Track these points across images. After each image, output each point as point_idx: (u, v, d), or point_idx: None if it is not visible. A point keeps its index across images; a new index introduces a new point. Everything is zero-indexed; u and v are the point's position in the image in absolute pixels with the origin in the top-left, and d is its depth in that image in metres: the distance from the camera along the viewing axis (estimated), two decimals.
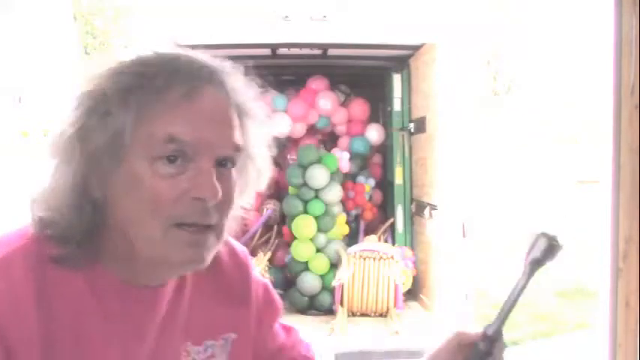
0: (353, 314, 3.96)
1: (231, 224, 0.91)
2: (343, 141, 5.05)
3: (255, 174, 0.93)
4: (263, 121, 0.93)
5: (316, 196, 4.26)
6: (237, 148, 0.85)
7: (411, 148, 4.55)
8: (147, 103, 0.80)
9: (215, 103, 0.84)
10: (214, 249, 0.86)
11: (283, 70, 5.03)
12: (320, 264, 4.19)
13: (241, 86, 0.89)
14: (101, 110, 0.80)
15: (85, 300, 0.83)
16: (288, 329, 1.12)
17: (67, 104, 0.82)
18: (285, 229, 4.44)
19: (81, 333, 0.82)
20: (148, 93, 0.80)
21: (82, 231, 0.82)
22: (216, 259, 0.92)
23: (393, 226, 4.63)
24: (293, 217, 4.23)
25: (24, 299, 0.78)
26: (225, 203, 0.84)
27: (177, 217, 0.81)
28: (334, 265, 4.20)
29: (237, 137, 0.86)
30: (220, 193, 0.81)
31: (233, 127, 0.85)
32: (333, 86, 5.00)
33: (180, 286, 0.93)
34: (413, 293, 4.30)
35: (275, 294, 1.13)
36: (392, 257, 3.95)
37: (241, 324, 1.00)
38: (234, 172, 0.86)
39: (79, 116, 0.81)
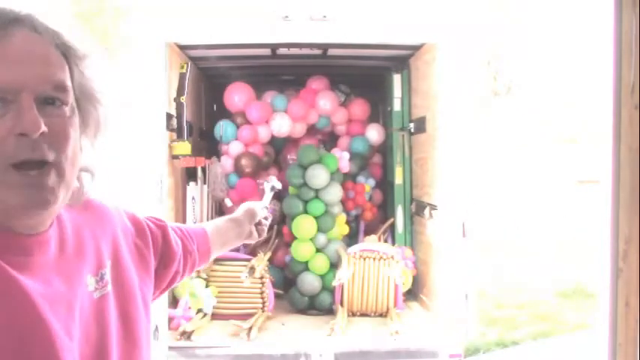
0: (353, 314, 3.96)
1: (96, 169, 0.96)
2: (343, 141, 5.05)
3: (104, 117, 0.95)
4: (98, 63, 0.95)
5: (316, 196, 4.26)
6: (60, 87, 0.87)
7: (411, 148, 4.55)
8: None
9: (26, 44, 0.85)
10: (59, 190, 0.87)
11: (283, 70, 5.03)
12: (320, 264, 4.19)
13: (65, 28, 0.91)
14: None
15: None
16: (161, 227, 1.23)
17: None
18: (285, 229, 4.44)
19: (3, 290, 0.83)
20: None
21: None
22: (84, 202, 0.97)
23: (393, 226, 4.63)
24: (293, 217, 4.24)
25: None
26: (60, 139, 0.86)
27: (7, 157, 0.82)
28: (334, 265, 4.20)
29: (58, 75, 0.87)
30: (43, 126, 0.83)
31: (51, 65, 0.87)
32: (333, 86, 5.00)
33: (60, 227, 0.96)
34: (413, 293, 4.30)
35: (140, 217, 1.19)
36: (392, 257, 3.96)
37: (113, 253, 1.05)
38: (67, 109, 0.88)
39: None
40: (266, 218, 1.61)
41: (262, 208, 1.60)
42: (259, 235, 1.57)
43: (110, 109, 0.96)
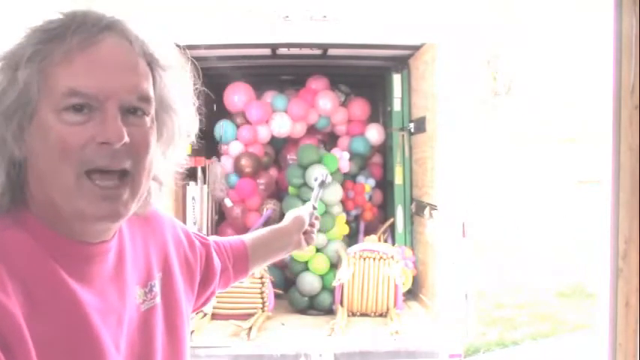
0: (353, 314, 3.96)
1: (165, 178, 0.95)
2: (343, 141, 5.05)
3: (178, 127, 0.94)
4: (182, 74, 0.95)
5: None
6: (144, 98, 0.86)
7: (411, 148, 4.55)
8: (47, 57, 0.81)
9: (114, 51, 0.85)
10: (132, 202, 0.86)
11: (283, 70, 5.03)
12: (320, 264, 4.19)
13: (153, 37, 0.90)
14: (10, 69, 0.82)
15: (51, 266, 0.83)
16: (207, 245, 1.22)
17: None
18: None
19: (60, 302, 0.83)
20: (48, 47, 0.82)
21: (11, 192, 0.83)
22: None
23: (393, 226, 4.63)
24: None
25: (4, 289, 0.77)
26: (139, 148, 0.85)
27: (86, 162, 0.82)
28: (334, 265, 4.20)
29: (144, 86, 0.86)
30: (126, 137, 0.82)
31: (138, 75, 0.86)
32: (333, 86, 5.00)
33: (120, 237, 0.95)
34: (413, 293, 4.30)
35: (189, 231, 1.18)
36: (392, 257, 3.95)
37: (164, 264, 1.04)
38: (148, 120, 0.87)
39: None
40: (315, 220, 1.48)
41: (310, 212, 1.46)
42: (308, 243, 1.46)
43: (185, 120, 0.95)
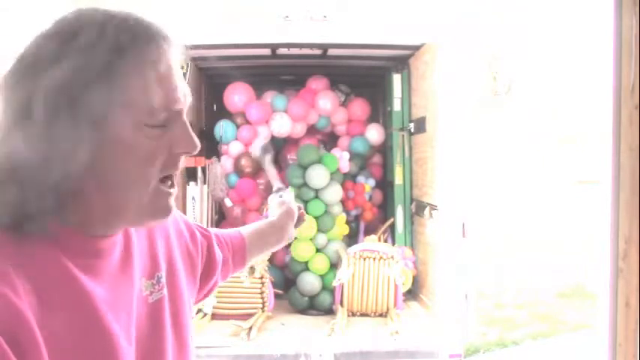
0: (353, 314, 3.96)
1: None
2: (343, 141, 5.05)
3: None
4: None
5: (316, 196, 4.26)
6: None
7: (411, 148, 4.55)
8: (118, 70, 0.80)
9: (175, 61, 0.87)
10: None
11: (283, 70, 5.03)
12: (320, 264, 4.19)
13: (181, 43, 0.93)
14: (80, 87, 0.79)
15: (61, 261, 0.83)
16: (207, 236, 1.22)
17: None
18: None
19: (71, 297, 0.82)
20: (118, 61, 0.80)
21: (55, 201, 0.81)
22: None
23: (393, 226, 4.63)
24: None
25: (15, 291, 0.76)
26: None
27: (163, 171, 0.86)
28: (334, 265, 4.20)
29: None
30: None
31: (185, 82, 0.90)
32: (333, 86, 5.00)
33: (126, 229, 0.96)
34: (413, 293, 4.30)
35: (191, 223, 1.19)
36: (392, 257, 3.95)
37: (168, 255, 1.05)
38: None
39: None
40: (300, 210, 1.53)
41: (286, 197, 1.53)
42: (300, 222, 1.54)
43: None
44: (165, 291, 1.00)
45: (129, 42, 0.81)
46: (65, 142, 0.78)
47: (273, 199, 1.57)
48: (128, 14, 0.85)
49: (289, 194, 1.57)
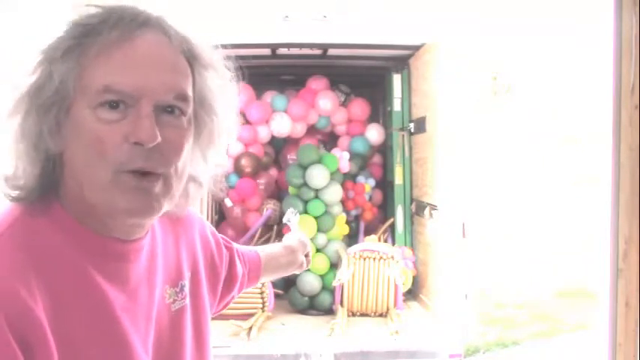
0: (353, 314, 3.96)
1: (204, 180, 0.93)
2: (343, 141, 5.05)
3: (218, 128, 0.91)
4: (224, 74, 0.92)
5: (316, 196, 4.26)
6: (181, 97, 0.83)
7: (411, 148, 4.55)
8: (84, 51, 0.80)
9: (152, 47, 0.82)
10: (164, 198, 0.84)
11: (283, 70, 5.03)
12: (320, 264, 4.19)
13: (195, 34, 0.88)
14: (48, 63, 0.80)
15: (81, 264, 0.82)
16: (231, 249, 1.21)
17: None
18: (285, 229, 4.43)
19: (87, 301, 0.81)
20: (86, 41, 0.80)
21: (43, 186, 0.82)
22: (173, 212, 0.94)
23: (393, 226, 4.63)
24: None
25: (29, 288, 0.76)
26: (172, 150, 0.83)
27: (121, 162, 0.80)
28: (334, 265, 4.20)
29: (182, 84, 0.83)
30: (158, 137, 0.80)
31: (176, 73, 0.83)
32: (333, 86, 5.00)
33: (153, 235, 0.93)
34: (413, 293, 4.30)
35: (217, 233, 1.17)
36: (392, 257, 3.95)
37: (193, 264, 1.03)
38: (185, 121, 0.85)
39: (30, 73, 0.81)
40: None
41: (295, 224, 1.61)
42: (307, 265, 1.50)
43: (226, 121, 0.92)
44: (187, 300, 0.98)
45: (97, 24, 0.81)
46: (36, 118, 0.81)
47: (289, 219, 1.66)
48: (116, 4, 0.84)
49: (296, 218, 1.66)
